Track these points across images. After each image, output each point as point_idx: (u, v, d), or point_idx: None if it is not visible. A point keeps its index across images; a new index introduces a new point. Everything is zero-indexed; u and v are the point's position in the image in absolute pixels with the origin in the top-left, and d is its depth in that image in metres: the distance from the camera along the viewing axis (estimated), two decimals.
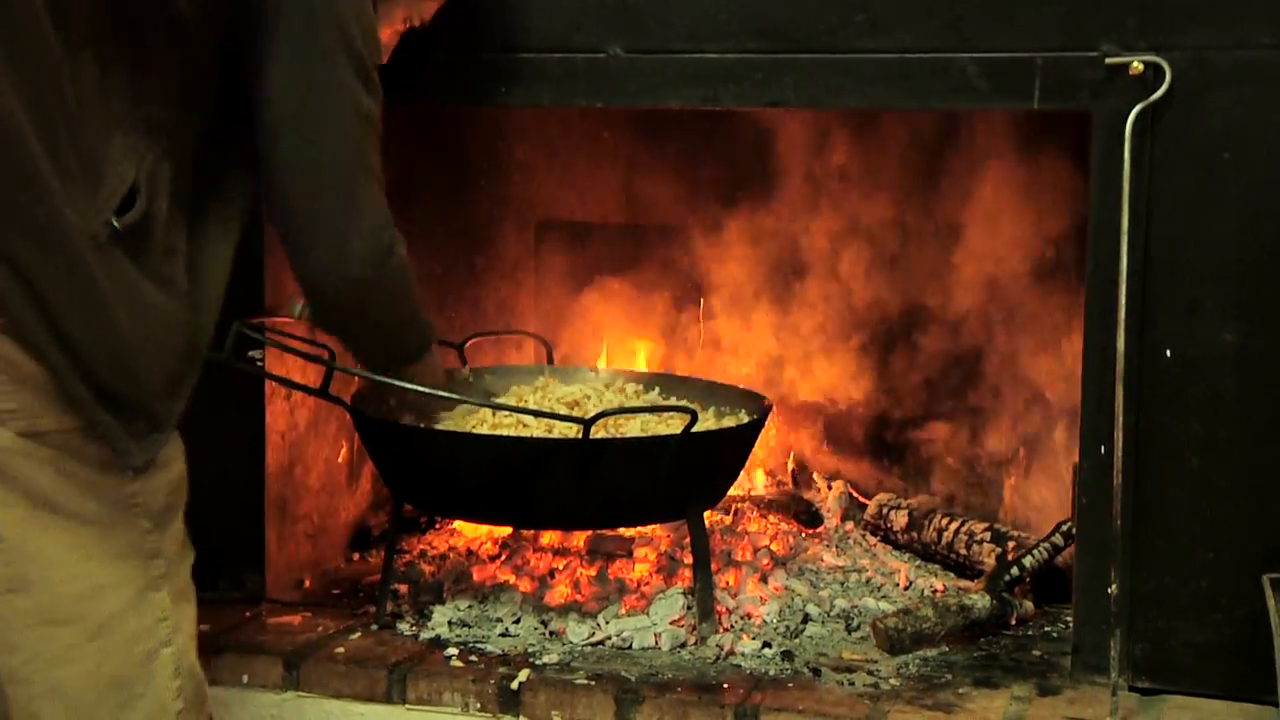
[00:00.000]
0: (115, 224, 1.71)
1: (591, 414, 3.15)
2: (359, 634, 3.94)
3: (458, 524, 4.73)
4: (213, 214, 2.06)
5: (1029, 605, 4.04)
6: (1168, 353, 3.15)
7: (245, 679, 3.70)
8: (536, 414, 3.36)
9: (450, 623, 3.92)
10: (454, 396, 3.36)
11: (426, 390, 3.25)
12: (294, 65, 2.11)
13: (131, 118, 1.77)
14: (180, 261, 1.93)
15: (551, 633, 3.89)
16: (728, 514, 4.66)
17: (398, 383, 3.29)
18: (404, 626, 4.00)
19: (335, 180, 2.34)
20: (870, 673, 3.61)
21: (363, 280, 2.38)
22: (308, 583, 4.45)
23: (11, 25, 1.53)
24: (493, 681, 3.49)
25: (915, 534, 4.71)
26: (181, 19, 1.80)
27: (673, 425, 3.34)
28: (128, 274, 1.76)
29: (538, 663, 3.65)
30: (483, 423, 3.58)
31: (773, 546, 4.50)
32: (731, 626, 3.86)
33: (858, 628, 3.91)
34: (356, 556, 4.85)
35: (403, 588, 4.27)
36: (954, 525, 4.53)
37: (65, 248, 1.64)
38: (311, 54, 2.21)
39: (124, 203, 1.74)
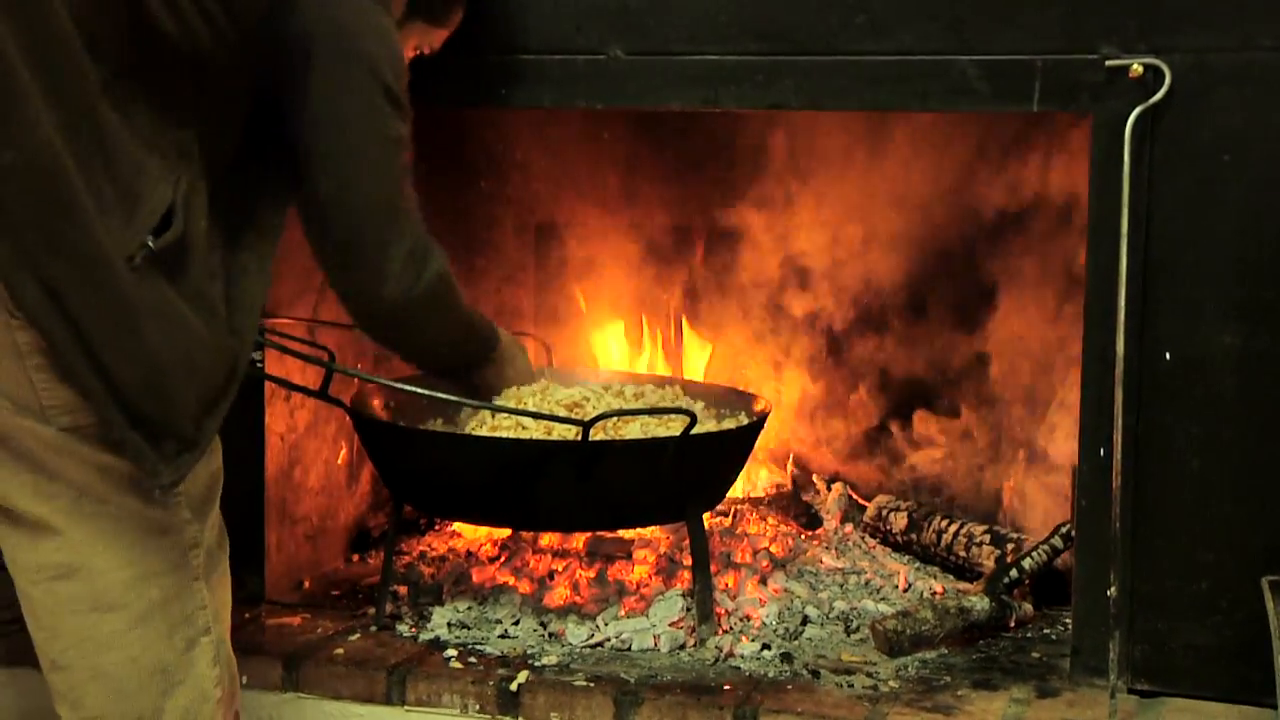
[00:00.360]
0: (151, 245, 1.74)
1: (591, 416, 3.15)
2: (358, 635, 3.94)
3: (457, 526, 4.73)
4: (249, 239, 2.11)
5: (1028, 608, 4.04)
6: (1167, 354, 3.15)
7: (245, 680, 3.69)
8: (536, 416, 3.36)
9: (449, 624, 3.92)
10: (449, 398, 3.36)
11: (415, 390, 3.27)
12: (328, 100, 2.21)
13: (164, 144, 1.81)
14: (219, 285, 1.94)
15: (551, 634, 3.89)
16: (727, 516, 4.66)
17: (386, 382, 3.29)
18: (403, 628, 4.00)
19: (373, 208, 2.41)
20: (869, 675, 3.61)
21: (403, 300, 2.45)
22: (307, 584, 4.44)
23: (49, 57, 1.58)
24: (492, 683, 3.49)
25: (914, 536, 4.71)
26: (208, 56, 1.83)
27: (672, 427, 3.34)
28: (164, 296, 1.78)
29: (537, 664, 3.65)
30: (481, 424, 3.57)
31: (772, 548, 4.50)
32: (730, 628, 3.86)
33: (857, 630, 3.91)
34: (356, 558, 4.85)
35: (402, 589, 4.27)
36: (953, 527, 4.53)
37: (101, 271, 1.67)
38: (344, 88, 2.27)
39: (161, 223, 1.76)
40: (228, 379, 1.96)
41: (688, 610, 3.65)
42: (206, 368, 1.88)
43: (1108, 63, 3.03)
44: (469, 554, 4.36)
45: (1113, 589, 3.09)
